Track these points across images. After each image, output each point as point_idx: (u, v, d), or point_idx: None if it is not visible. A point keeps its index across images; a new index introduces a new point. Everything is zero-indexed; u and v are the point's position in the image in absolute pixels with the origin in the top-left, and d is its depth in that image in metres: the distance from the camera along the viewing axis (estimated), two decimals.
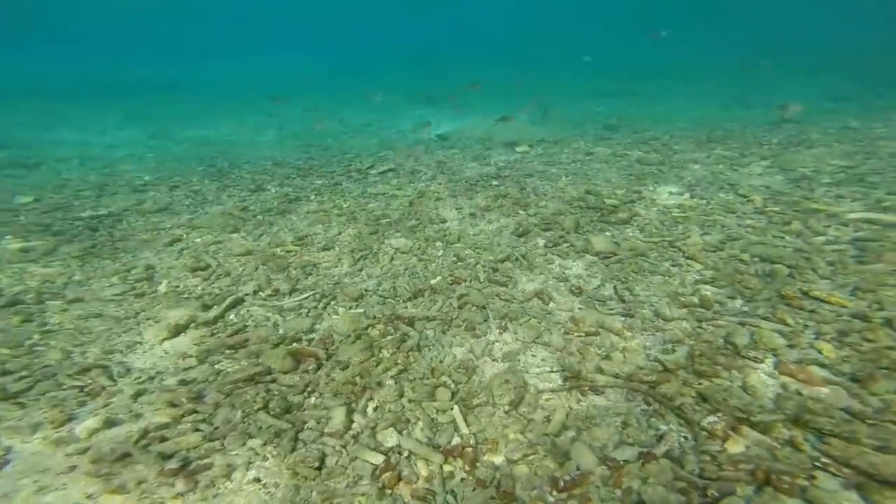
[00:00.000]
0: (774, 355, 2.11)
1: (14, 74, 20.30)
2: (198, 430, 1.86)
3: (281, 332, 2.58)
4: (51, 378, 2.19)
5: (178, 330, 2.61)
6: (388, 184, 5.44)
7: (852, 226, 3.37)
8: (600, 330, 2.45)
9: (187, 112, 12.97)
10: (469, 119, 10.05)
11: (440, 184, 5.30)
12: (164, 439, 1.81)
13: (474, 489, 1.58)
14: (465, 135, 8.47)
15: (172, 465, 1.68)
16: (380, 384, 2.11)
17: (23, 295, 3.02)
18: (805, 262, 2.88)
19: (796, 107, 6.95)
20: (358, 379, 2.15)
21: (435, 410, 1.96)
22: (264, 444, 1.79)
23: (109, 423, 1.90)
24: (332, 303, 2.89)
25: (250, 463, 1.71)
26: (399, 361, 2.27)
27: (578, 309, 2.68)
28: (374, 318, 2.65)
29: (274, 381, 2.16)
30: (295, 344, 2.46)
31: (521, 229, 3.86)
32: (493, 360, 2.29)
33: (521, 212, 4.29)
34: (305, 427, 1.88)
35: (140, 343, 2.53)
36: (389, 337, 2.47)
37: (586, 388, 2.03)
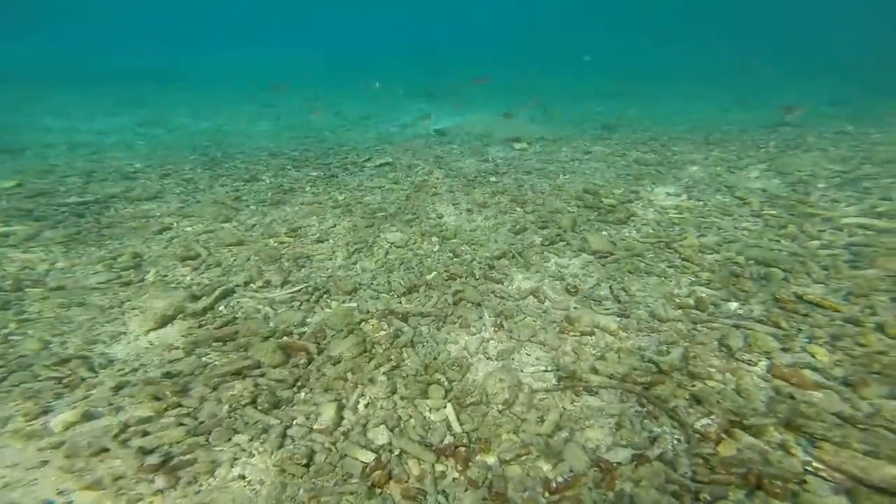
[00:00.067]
0: (768, 358, 2.11)
1: (6, 60, 19.61)
2: (181, 424, 1.81)
3: (271, 324, 2.52)
4: (26, 369, 2.11)
5: (164, 320, 2.53)
6: (384, 177, 5.37)
7: (847, 230, 3.40)
8: (595, 330, 2.43)
9: (182, 101, 12.66)
10: (468, 115, 9.96)
11: (438, 178, 5.24)
12: (145, 434, 1.75)
13: (466, 489, 1.56)
14: (465, 131, 8.39)
15: (153, 460, 1.63)
16: (372, 380, 2.06)
17: (0, 281, 2.91)
18: (800, 265, 2.89)
19: (800, 109, 7.00)
20: (349, 374, 2.10)
21: (428, 408, 1.93)
22: (251, 440, 1.74)
23: (87, 417, 1.83)
24: (325, 296, 2.83)
25: (235, 459, 1.67)
26: (392, 357, 2.23)
27: (574, 308, 2.66)
28: (368, 312, 2.60)
29: (263, 375, 2.11)
30: (285, 337, 2.40)
31: (517, 226, 3.82)
32: (488, 359, 2.26)
33: (518, 209, 4.25)
34: (294, 423, 1.83)
35: (124, 333, 2.45)
36: (383, 332, 2.43)
37: (580, 389, 2.01)
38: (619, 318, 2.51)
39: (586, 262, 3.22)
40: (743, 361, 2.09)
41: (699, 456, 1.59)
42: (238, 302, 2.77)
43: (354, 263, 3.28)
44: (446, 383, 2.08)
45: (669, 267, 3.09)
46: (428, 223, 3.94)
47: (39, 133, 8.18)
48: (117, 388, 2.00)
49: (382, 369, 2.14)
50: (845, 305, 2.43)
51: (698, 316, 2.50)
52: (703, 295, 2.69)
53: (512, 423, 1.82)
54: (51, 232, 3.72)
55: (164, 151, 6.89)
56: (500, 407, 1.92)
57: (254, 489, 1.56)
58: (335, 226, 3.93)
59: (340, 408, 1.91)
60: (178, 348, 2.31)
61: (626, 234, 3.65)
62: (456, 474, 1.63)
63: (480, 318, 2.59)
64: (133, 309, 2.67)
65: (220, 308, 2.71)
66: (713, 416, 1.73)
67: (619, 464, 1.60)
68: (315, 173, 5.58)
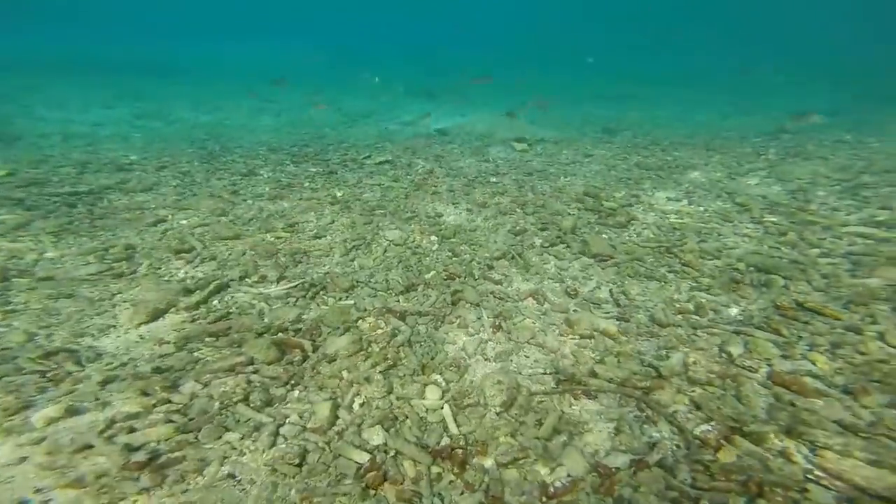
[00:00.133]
0: (768, 365, 2.10)
1: (5, 50, 19.31)
2: (170, 421, 1.75)
3: (266, 320, 2.47)
4: (9, 362, 2.04)
5: (156, 314, 2.47)
6: (384, 175, 5.33)
7: (846, 239, 3.40)
8: (595, 333, 2.40)
9: (181, 94, 12.54)
10: (469, 115, 9.95)
11: (437, 178, 5.20)
12: (132, 430, 1.70)
13: (462, 492, 1.52)
14: (465, 130, 8.37)
15: (139, 457, 1.57)
16: (368, 379, 2.02)
17: None
18: (800, 273, 2.88)
19: (813, 117, 7.01)
20: (345, 373, 2.06)
21: (424, 409, 1.89)
22: (242, 439, 1.69)
23: (71, 412, 1.77)
24: (322, 293, 2.79)
25: (225, 458, 1.62)
26: (389, 356, 2.19)
27: (573, 311, 2.64)
28: (365, 310, 2.56)
29: (256, 371, 2.06)
30: (280, 334, 2.35)
31: (517, 227, 3.80)
32: (486, 360, 2.23)
33: (518, 210, 4.23)
34: (287, 421, 1.79)
35: (114, 327, 2.39)
36: (380, 331, 2.39)
37: (579, 392, 1.98)
38: (618, 322, 2.49)
39: (586, 265, 3.20)
40: (743, 368, 2.07)
41: (699, 462, 1.57)
42: (232, 297, 2.72)
43: (352, 260, 3.24)
44: (443, 384, 2.05)
45: (669, 272, 3.08)
46: (427, 222, 3.91)
47: (34, 122, 8.05)
48: (105, 383, 1.95)
49: (379, 368, 2.10)
50: (845, 314, 2.42)
51: (698, 321, 2.49)
52: (704, 300, 2.68)
53: (510, 426, 1.79)
54: (41, 221, 3.64)
55: (162, 144, 6.81)
56: (498, 409, 1.88)
57: (243, 489, 1.51)
58: (333, 222, 3.89)
59: (335, 407, 1.86)
60: (169, 343, 2.26)
61: (627, 238, 3.63)
62: (452, 477, 1.59)
63: (479, 318, 2.56)
64: (124, 301, 2.61)
65: (214, 303, 2.65)
66: (713, 423, 1.71)
67: (618, 469, 1.57)
68: (314, 169, 5.53)
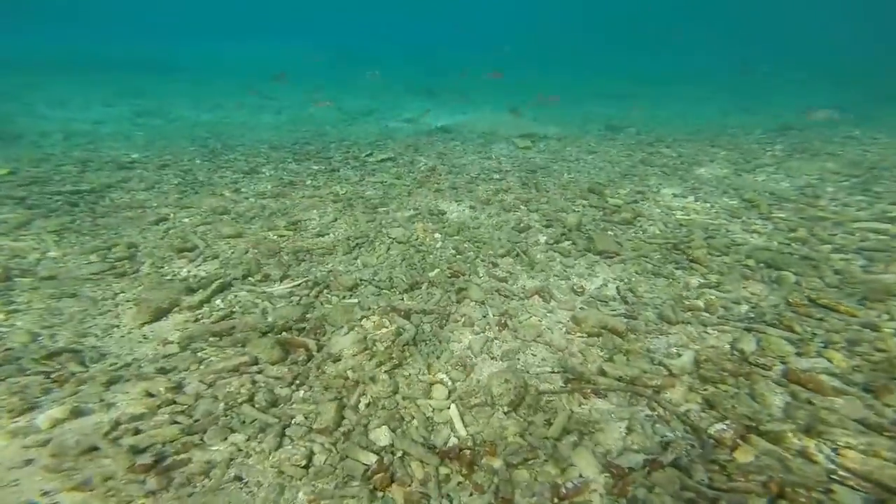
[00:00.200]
0: (782, 363, 2.06)
1: (6, 48, 19.28)
2: (176, 422, 1.73)
3: (270, 320, 2.44)
4: (13, 363, 2.02)
5: (159, 314, 2.45)
6: (386, 172, 5.28)
7: (859, 235, 3.35)
8: (602, 331, 2.37)
9: (182, 92, 12.51)
10: (470, 113, 9.88)
11: (440, 175, 5.16)
12: (137, 432, 1.68)
13: (471, 494, 1.49)
14: (467, 128, 8.31)
15: (145, 459, 1.55)
16: (373, 379, 2.00)
17: None
18: (812, 269, 2.84)
19: (828, 112, 6.87)
20: (350, 373, 2.03)
21: (431, 409, 1.87)
22: (248, 440, 1.67)
23: (76, 413, 1.75)
24: (325, 291, 2.76)
25: (232, 460, 1.59)
26: (394, 356, 2.16)
27: (580, 308, 2.60)
28: (369, 309, 2.53)
29: (260, 372, 2.03)
30: (284, 333, 2.33)
31: (522, 225, 3.76)
32: (492, 359, 2.20)
33: (522, 207, 4.19)
34: (293, 422, 1.76)
35: (117, 326, 2.37)
36: (384, 330, 2.36)
37: (589, 391, 1.95)
38: (626, 320, 2.45)
39: (592, 263, 3.16)
40: (757, 365, 2.03)
41: (715, 462, 1.54)
42: (236, 296, 2.69)
43: (355, 259, 3.21)
44: (450, 383, 2.02)
45: (677, 268, 3.03)
46: (430, 219, 3.87)
47: (35, 121, 8.04)
48: (109, 384, 1.93)
49: (384, 368, 2.07)
50: (861, 310, 2.38)
51: (708, 318, 2.45)
52: (713, 297, 2.63)
53: (518, 426, 1.76)
54: (43, 220, 3.63)
55: (163, 142, 6.78)
56: (506, 408, 1.85)
57: (250, 491, 1.49)
58: (336, 220, 3.86)
59: (341, 407, 1.84)
60: (172, 343, 2.24)
61: (633, 235, 3.59)
62: (461, 478, 1.56)
63: (484, 316, 2.52)
64: (127, 301, 2.59)
65: (217, 302, 2.63)
66: (728, 422, 1.67)
67: (631, 469, 1.54)
68: (316, 167, 5.49)
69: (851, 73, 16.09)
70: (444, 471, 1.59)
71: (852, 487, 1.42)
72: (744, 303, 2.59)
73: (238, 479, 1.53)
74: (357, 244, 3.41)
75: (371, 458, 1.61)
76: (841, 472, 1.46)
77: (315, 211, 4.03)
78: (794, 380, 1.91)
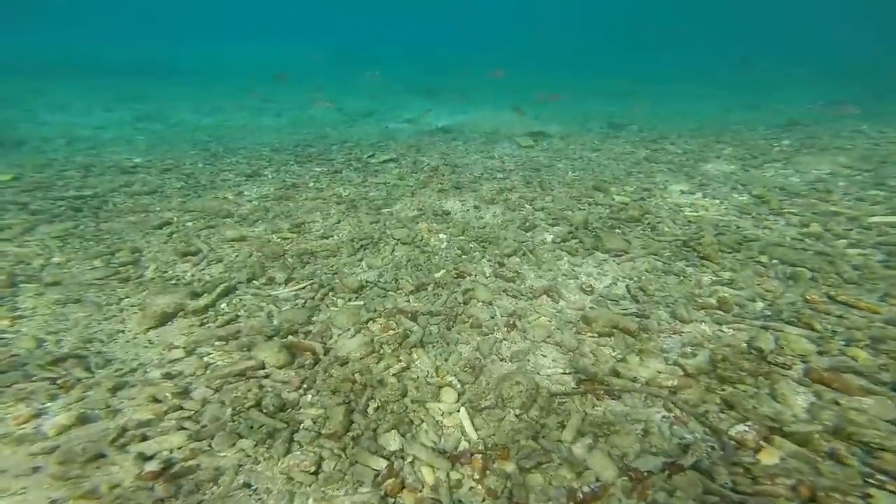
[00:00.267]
0: (803, 361, 2.00)
1: (6, 51, 19.45)
2: (183, 428, 1.70)
3: (275, 323, 2.41)
4: (19, 369, 2.00)
5: (164, 318, 2.43)
6: (389, 173, 5.26)
7: (876, 229, 3.28)
8: (614, 331, 2.32)
9: (183, 95, 12.55)
10: (471, 113, 9.85)
11: (443, 175, 5.12)
12: (144, 438, 1.65)
13: (484, 499, 1.45)
14: (469, 128, 8.28)
15: (153, 467, 1.52)
16: (381, 382, 1.96)
17: None
18: (828, 265, 2.77)
19: (847, 107, 6.74)
20: (357, 376, 2.00)
21: (440, 412, 1.83)
22: (256, 446, 1.64)
23: (83, 420, 1.73)
24: (331, 294, 2.73)
25: (240, 466, 1.56)
26: (401, 358, 2.13)
27: (590, 308, 2.55)
28: (375, 311, 2.50)
29: (267, 376, 2.00)
30: (290, 337, 2.30)
31: (527, 224, 3.72)
32: (501, 360, 2.16)
33: (527, 206, 4.14)
34: (301, 427, 1.73)
35: (122, 332, 2.35)
36: (391, 332, 2.32)
37: (602, 393, 1.90)
38: (638, 319, 2.41)
39: (600, 261, 3.11)
40: (776, 364, 1.98)
41: (738, 465, 1.49)
42: (240, 299, 2.67)
43: (360, 260, 3.18)
44: (459, 386, 1.98)
45: (688, 266, 2.98)
46: (435, 220, 3.84)
47: (38, 126, 8.08)
48: (115, 390, 1.90)
49: (392, 371, 2.04)
50: (884, 307, 2.31)
51: (723, 317, 2.39)
52: (726, 295, 2.58)
53: (531, 429, 1.72)
54: (47, 226, 3.62)
55: (165, 146, 6.79)
56: (518, 411, 1.81)
57: (260, 499, 1.46)
58: (340, 222, 3.83)
59: (349, 411, 1.80)
60: (178, 347, 2.21)
61: (641, 233, 3.54)
62: (473, 483, 1.53)
63: (492, 317, 2.48)
64: (132, 306, 2.57)
65: (222, 306, 2.60)
66: (749, 423, 1.62)
67: (650, 472, 1.49)
68: (318, 169, 5.47)
69: (851, 70, 15.93)
70: (455, 476, 1.55)
71: (891, 491, 1.36)
72: (759, 300, 2.53)
73: (247, 485, 1.50)
74: (361, 246, 3.38)
75: (381, 464, 1.58)
76: (879, 476, 1.40)
77: (318, 213, 4.01)
78: (816, 379, 1.86)
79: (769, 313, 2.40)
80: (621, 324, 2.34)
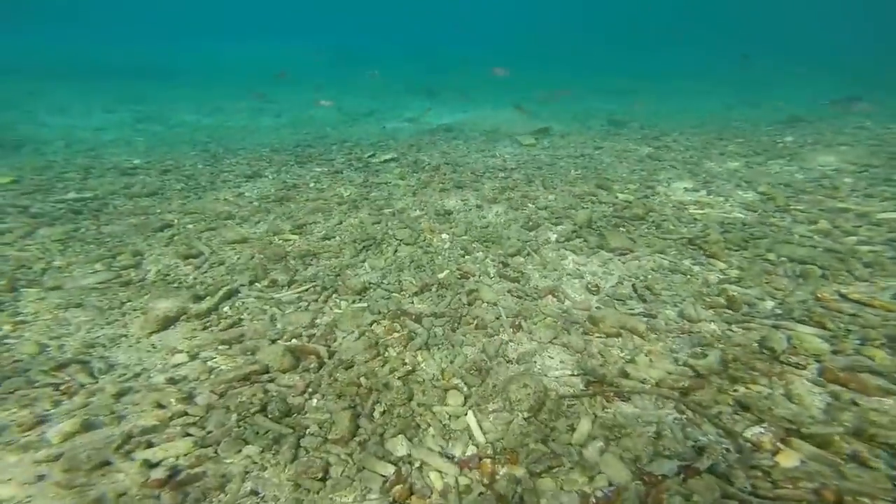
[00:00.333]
0: (817, 361, 1.97)
1: (5, 52, 19.41)
2: (188, 434, 1.68)
3: (279, 326, 2.39)
4: (22, 374, 1.98)
5: (167, 322, 2.40)
6: (390, 173, 5.22)
7: (886, 226, 3.23)
8: (622, 331, 2.29)
9: (182, 97, 12.51)
10: (471, 112, 9.80)
11: (444, 174, 5.09)
12: (149, 445, 1.63)
13: None
14: (469, 126, 8.24)
15: (159, 474, 1.50)
16: (387, 385, 1.93)
17: None
18: (839, 263, 2.74)
19: (860, 104, 6.52)
20: (363, 379, 1.97)
21: (447, 416, 1.80)
22: (262, 452, 1.61)
23: (87, 426, 1.70)
24: (334, 296, 2.70)
25: (247, 473, 1.54)
26: (406, 361, 2.10)
27: (596, 308, 2.52)
28: (379, 313, 2.47)
29: (272, 380, 1.98)
30: (294, 340, 2.27)
31: (530, 223, 3.68)
32: (508, 362, 2.13)
33: (530, 205, 4.11)
34: (307, 432, 1.70)
35: (125, 336, 2.32)
36: (395, 334, 2.30)
37: (611, 395, 1.88)
38: (646, 319, 2.38)
39: (606, 260, 3.08)
40: (790, 364, 1.95)
41: (757, 468, 1.46)
42: (243, 302, 2.64)
43: (363, 261, 3.15)
44: (465, 389, 1.95)
45: (695, 264, 2.95)
46: (437, 220, 3.81)
47: (37, 129, 8.05)
48: (119, 395, 1.88)
49: (397, 374, 2.01)
50: None
51: (732, 316, 2.36)
52: (735, 293, 2.55)
53: (540, 432, 1.69)
54: (48, 229, 3.60)
55: (164, 148, 6.76)
56: (526, 414, 1.79)
57: None
58: (342, 223, 3.80)
59: (355, 416, 1.78)
60: (181, 352, 2.19)
61: (646, 231, 3.50)
62: (482, 488, 1.50)
63: (497, 318, 2.45)
64: (134, 310, 2.54)
65: (225, 309, 2.58)
66: (765, 424, 1.59)
67: (664, 476, 1.47)
68: (319, 169, 5.44)
69: (851, 67, 15.85)
70: (463, 481, 1.52)
71: None
72: (768, 298, 2.50)
73: (254, 493, 1.47)
74: (364, 247, 3.35)
75: (389, 469, 1.55)
76: None
77: (320, 214, 3.98)
78: (832, 379, 1.83)
79: (780, 312, 2.36)
80: (629, 324, 2.31)
